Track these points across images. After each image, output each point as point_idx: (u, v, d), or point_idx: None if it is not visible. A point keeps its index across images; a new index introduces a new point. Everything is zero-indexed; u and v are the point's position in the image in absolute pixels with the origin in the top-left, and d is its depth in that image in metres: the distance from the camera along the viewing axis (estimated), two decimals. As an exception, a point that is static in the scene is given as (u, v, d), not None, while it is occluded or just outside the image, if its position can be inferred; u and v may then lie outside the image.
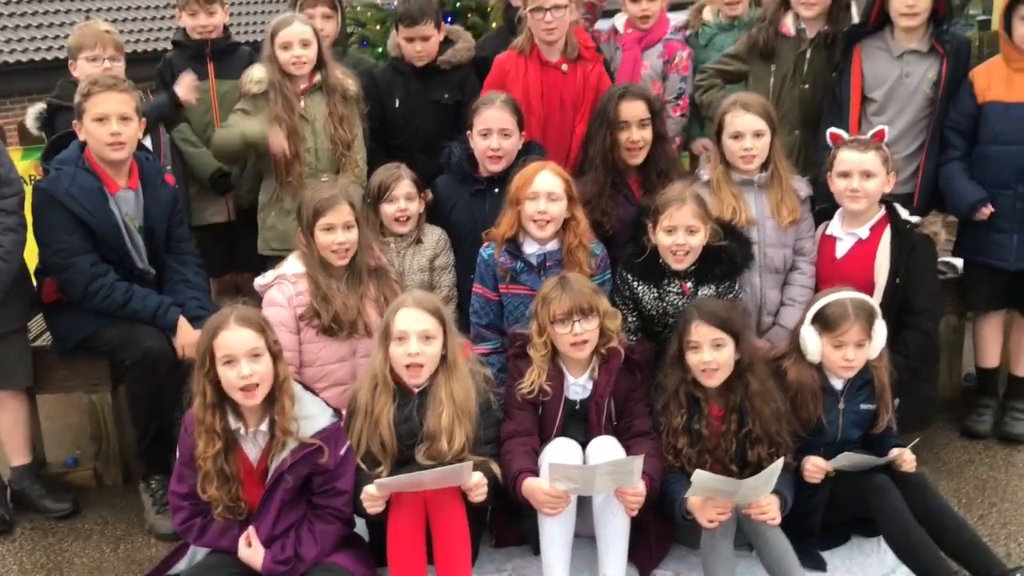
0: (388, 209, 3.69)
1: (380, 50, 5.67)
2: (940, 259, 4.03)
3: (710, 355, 2.97)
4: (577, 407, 3.11)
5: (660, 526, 3.02)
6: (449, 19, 4.74)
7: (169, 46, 4.68)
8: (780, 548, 2.83)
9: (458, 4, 5.63)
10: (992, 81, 3.66)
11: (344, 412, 3.02)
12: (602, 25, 4.60)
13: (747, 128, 3.49)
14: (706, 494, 2.83)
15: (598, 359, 3.10)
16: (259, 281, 3.44)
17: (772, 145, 3.55)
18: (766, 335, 3.60)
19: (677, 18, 4.46)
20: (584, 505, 2.96)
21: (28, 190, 3.63)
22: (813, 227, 3.66)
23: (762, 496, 2.83)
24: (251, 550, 2.78)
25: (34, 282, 3.66)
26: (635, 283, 3.40)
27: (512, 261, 3.40)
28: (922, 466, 3.55)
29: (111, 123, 3.29)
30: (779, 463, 2.82)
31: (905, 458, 3.01)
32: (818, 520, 3.05)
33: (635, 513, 2.86)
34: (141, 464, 3.61)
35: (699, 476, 2.77)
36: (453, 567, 2.78)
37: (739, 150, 3.51)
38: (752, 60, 4.09)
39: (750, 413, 2.98)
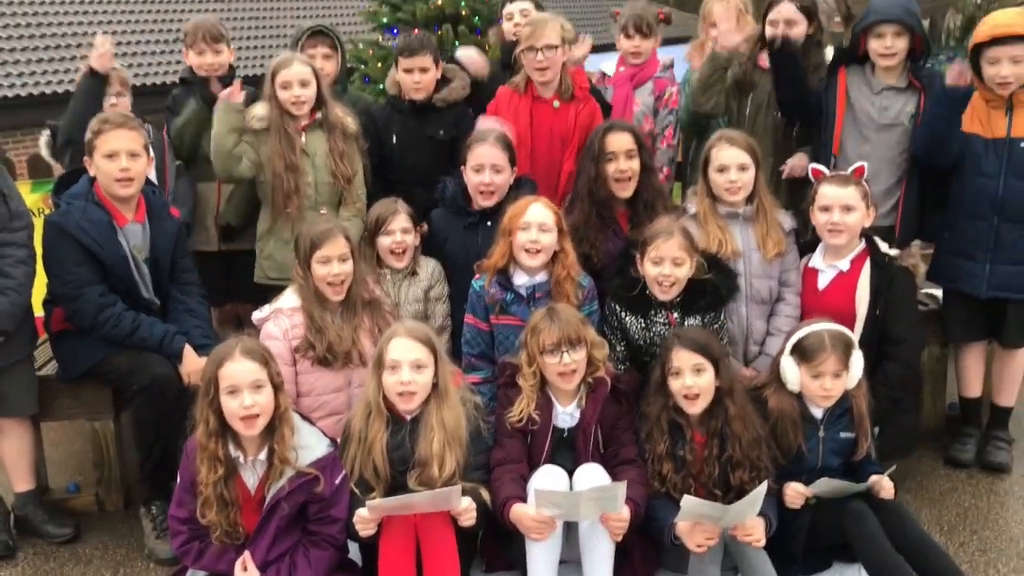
0: (385, 241, 3.81)
1: (381, 87, 5.83)
2: (922, 291, 4.14)
3: (691, 380, 3.06)
4: (565, 435, 3.20)
5: (645, 551, 3.09)
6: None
7: (175, 79, 4.80)
8: (763, 570, 2.91)
9: (457, 43, 5.80)
10: (972, 115, 3.78)
11: (340, 441, 3.12)
12: (589, 67, 4.75)
13: (732, 161, 3.62)
14: (694, 519, 2.91)
15: (585, 388, 3.19)
16: (257, 315, 3.55)
17: (757, 179, 3.68)
18: (753, 364, 3.70)
19: (663, 55, 4.62)
20: (571, 531, 3.04)
21: (38, 223, 3.74)
22: (798, 259, 3.77)
23: (748, 519, 2.91)
24: (246, 574, 2.87)
25: (37, 312, 3.74)
26: (623, 314, 3.50)
27: (502, 292, 3.50)
28: (905, 494, 3.66)
29: (121, 159, 3.42)
30: (763, 487, 2.91)
31: (883, 485, 3.08)
32: (800, 546, 3.12)
33: (619, 538, 2.94)
34: (143, 489, 3.69)
35: (687, 502, 2.86)
36: (442, 590, 2.84)
37: (725, 182, 3.63)
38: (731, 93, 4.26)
39: (730, 438, 3.07)
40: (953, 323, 4.01)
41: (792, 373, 3.17)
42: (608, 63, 4.55)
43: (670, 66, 4.61)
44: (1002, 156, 3.70)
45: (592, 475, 3.04)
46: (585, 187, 3.77)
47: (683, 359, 3.06)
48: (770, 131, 4.16)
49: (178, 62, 5.12)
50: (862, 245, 3.64)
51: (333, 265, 3.41)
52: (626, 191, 3.81)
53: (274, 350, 3.29)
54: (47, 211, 3.88)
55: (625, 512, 2.90)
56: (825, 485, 3.05)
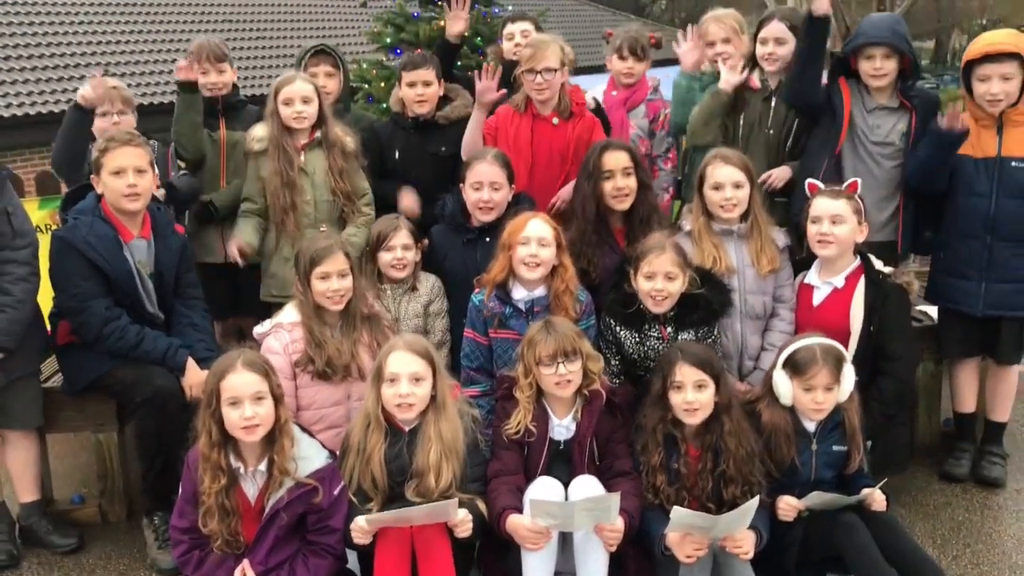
0: (386, 257, 3.87)
1: (384, 106, 5.91)
2: (916, 308, 4.19)
3: (692, 395, 3.11)
4: (561, 447, 3.25)
5: (639, 562, 3.12)
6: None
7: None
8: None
9: (458, 63, 5.88)
10: None
11: (339, 452, 3.17)
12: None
13: (727, 179, 3.68)
14: (684, 530, 2.95)
15: (581, 401, 3.24)
16: (258, 330, 3.61)
17: (751, 197, 3.74)
18: (747, 379, 3.74)
19: (652, 76, 4.71)
20: (566, 543, 3.08)
21: (46, 239, 3.80)
22: (792, 275, 3.82)
23: (738, 531, 2.95)
24: (245, 583, 2.91)
25: (47, 326, 3.82)
26: (617, 328, 3.55)
27: (501, 306, 3.56)
28: (900, 508, 3.69)
29: (127, 176, 3.50)
30: (755, 501, 2.95)
31: (875, 497, 3.12)
32: (793, 558, 3.15)
33: (614, 548, 2.98)
34: (146, 499, 3.74)
35: (677, 512, 2.90)
36: (438, 600, 2.88)
37: (720, 200, 3.69)
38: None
39: (724, 453, 3.11)
40: (948, 340, 4.06)
41: (784, 387, 3.22)
42: (596, 89, 4.63)
43: (657, 88, 4.71)
44: (993, 175, 3.75)
45: (587, 487, 3.08)
46: (582, 204, 3.83)
47: (686, 374, 3.11)
48: (763, 149, 4.23)
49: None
50: (857, 262, 3.68)
51: (332, 281, 3.47)
52: (624, 205, 3.86)
53: (275, 364, 3.35)
54: (54, 227, 3.93)
55: (619, 523, 2.95)
56: (817, 498, 3.09)
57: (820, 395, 3.16)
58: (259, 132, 4.06)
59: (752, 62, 4.26)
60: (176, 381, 3.55)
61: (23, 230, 3.63)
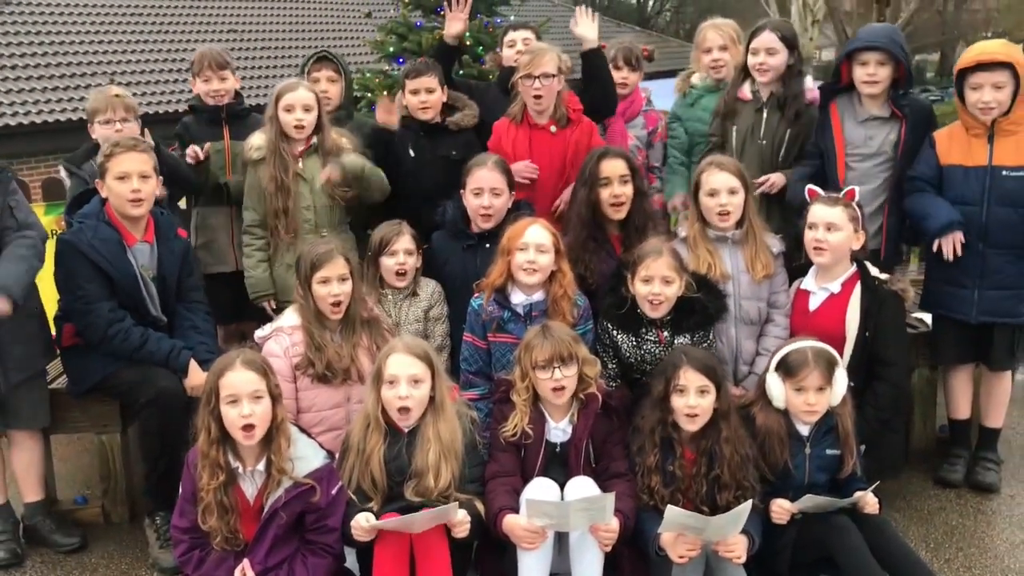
0: (388, 262, 3.92)
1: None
2: (912, 315, 4.23)
3: (695, 400, 3.14)
4: (557, 449, 3.29)
5: (634, 562, 3.16)
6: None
7: (184, 107, 4.95)
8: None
9: (460, 72, 5.94)
10: (952, 146, 3.89)
11: (337, 455, 3.21)
12: None
13: (722, 186, 3.73)
14: (677, 529, 2.98)
15: (577, 404, 3.28)
16: (259, 333, 3.66)
17: (746, 203, 3.79)
18: (742, 384, 3.78)
19: (644, 87, 4.78)
20: (562, 543, 3.12)
21: (51, 243, 3.86)
22: (787, 281, 3.87)
23: (730, 535, 2.99)
24: (245, 581, 2.95)
25: (52, 329, 3.88)
26: (614, 332, 3.60)
27: (500, 310, 3.61)
28: (895, 513, 3.72)
29: (132, 181, 3.56)
30: (747, 505, 2.98)
31: (867, 500, 3.15)
32: (786, 561, 3.18)
33: (608, 548, 3.02)
34: (148, 500, 3.79)
35: (671, 512, 2.94)
36: (436, 599, 2.92)
37: (715, 206, 3.74)
38: (718, 123, 4.42)
39: (719, 458, 3.14)
40: (943, 347, 4.09)
41: (777, 389, 3.26)
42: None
43: (649, 99, 4.79)
44: (983, 183, 3.79)
45: (583, 488, 3.12)
46: (579, 210, 3.88)
47: (691, 379, 3.14)
48: (756, 159, 4.28)
49: (189, 91, 5.25)
50: (853, 268, 3.72)
51: (333, 285, 3.52)
52: (620, 213, 3.92)
53: (275, 367, 3.39)
54: (60, 231, 3.99)
55: (614, 523, 2.98)
56: (810, 501, 3.13)
57: (812, 396, 3.20)
58: (256, 141, 4.13)
59: (745, 73, 4.32)
60: (179, 383, 3.60)
61: (28, 222, 3.69)
